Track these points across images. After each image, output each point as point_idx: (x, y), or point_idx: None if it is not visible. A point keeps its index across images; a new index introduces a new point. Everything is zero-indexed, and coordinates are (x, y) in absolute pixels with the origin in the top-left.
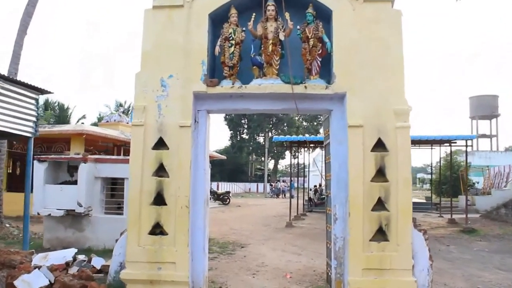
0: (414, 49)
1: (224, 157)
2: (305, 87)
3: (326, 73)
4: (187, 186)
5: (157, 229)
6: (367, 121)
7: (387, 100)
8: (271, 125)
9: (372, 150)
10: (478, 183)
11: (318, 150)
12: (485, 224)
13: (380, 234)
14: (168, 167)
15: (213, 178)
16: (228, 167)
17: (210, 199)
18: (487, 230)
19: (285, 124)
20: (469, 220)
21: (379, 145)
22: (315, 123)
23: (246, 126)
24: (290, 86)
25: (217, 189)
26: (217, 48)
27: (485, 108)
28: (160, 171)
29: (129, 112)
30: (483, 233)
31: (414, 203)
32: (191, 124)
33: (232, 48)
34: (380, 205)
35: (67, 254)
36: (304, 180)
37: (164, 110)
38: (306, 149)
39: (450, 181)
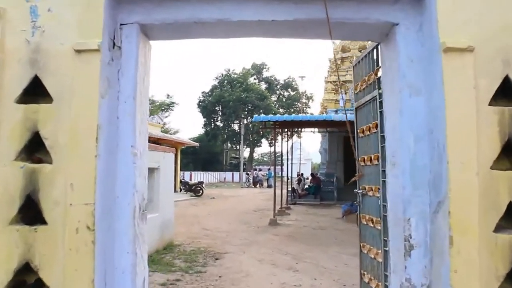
0: None
1: (196, 144)
2: None
3: None
4: (91, 182)
5: (28, 277)
6: (479, 41)
7: None
8: (246, 112)
9: (492, 103)
10: None
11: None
12: None
13: None
14: (51, 142)
15: (186, 167)
16: (202, 156)
17: (180, 190)
18: None
19: (262, 111)
20: None
21: (507, 93)
22: (291, 110)
23: (220, 113)
24: None
25: (190, 179)
26: None
27: None
28: (34, 149)
29: None
30: None
31: None
32: (102, 47)
33: None
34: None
35: None
36: (286, 168)
37: (45, 20)
38: (291, 130)
39: None
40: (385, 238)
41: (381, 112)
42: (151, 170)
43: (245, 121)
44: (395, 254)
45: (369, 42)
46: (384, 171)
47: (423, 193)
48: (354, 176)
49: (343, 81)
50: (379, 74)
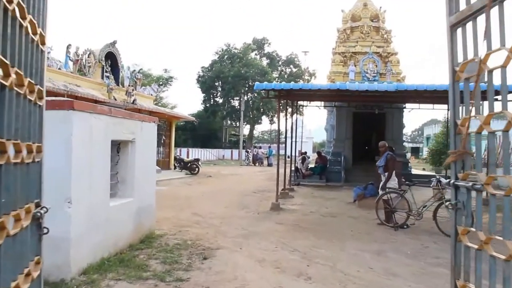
0: (410, 15)
1: (192, 118)
2: None
3: None
4: None
5: None
6: None
7: None
8: (246, 88)
9: None
10: None
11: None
12: None
13: None
14: None
15: (185, 144)
16: (201, 133)
17: (175, 168)
18: None
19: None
20: None
21: None
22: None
23: (220, 89)
24: None
25: (187, 156)
26: None
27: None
28: None
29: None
30: None
31: (423, 176)
32: None
33: None
34: None
35: None
36: (290, 145)
37: None
38: (296, 104)
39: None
40: None
41: None
42: (124, 144)
43: (245, 97)
44: None
45: (382, 10)
46: None
47: None
48: (452, 155)
49: (352, 52)
50: None
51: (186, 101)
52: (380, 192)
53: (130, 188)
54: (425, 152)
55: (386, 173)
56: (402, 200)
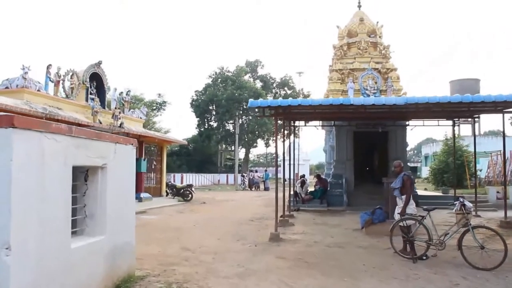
0: (401, 34)
1: (184, 142)
2: None
3: None
4: None
5: None
6: None
7: None
8: (241, 111)
9: None
10: (481, 170)
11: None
12: None
13: None
14: None
15: (180, 169)
16: (196, 157)
17: (167, 194)
18: None
19: (256, 109)
20: None
21: None
22: None
23: (214, 113)
24: None
25: (181, 181)
26: None
27: (466, 92)
28: None
29: (48, 79)
30: None
31: (431, 197)
32: None
33: None
34: None
35: None
36: (289, 168)
37: None
38: (293, 124)
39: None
40: None
41: None
42: (93, 170)
43: (240, 121)
44: None
45: (379, 24)
46: None
47: None
48: None
49: (350, 69)
50: None
51: (181, 125)
52: (397, 217)
53: (101, 224)
54: (424, 171)
55: (403, 196)
56: (420, 227)
